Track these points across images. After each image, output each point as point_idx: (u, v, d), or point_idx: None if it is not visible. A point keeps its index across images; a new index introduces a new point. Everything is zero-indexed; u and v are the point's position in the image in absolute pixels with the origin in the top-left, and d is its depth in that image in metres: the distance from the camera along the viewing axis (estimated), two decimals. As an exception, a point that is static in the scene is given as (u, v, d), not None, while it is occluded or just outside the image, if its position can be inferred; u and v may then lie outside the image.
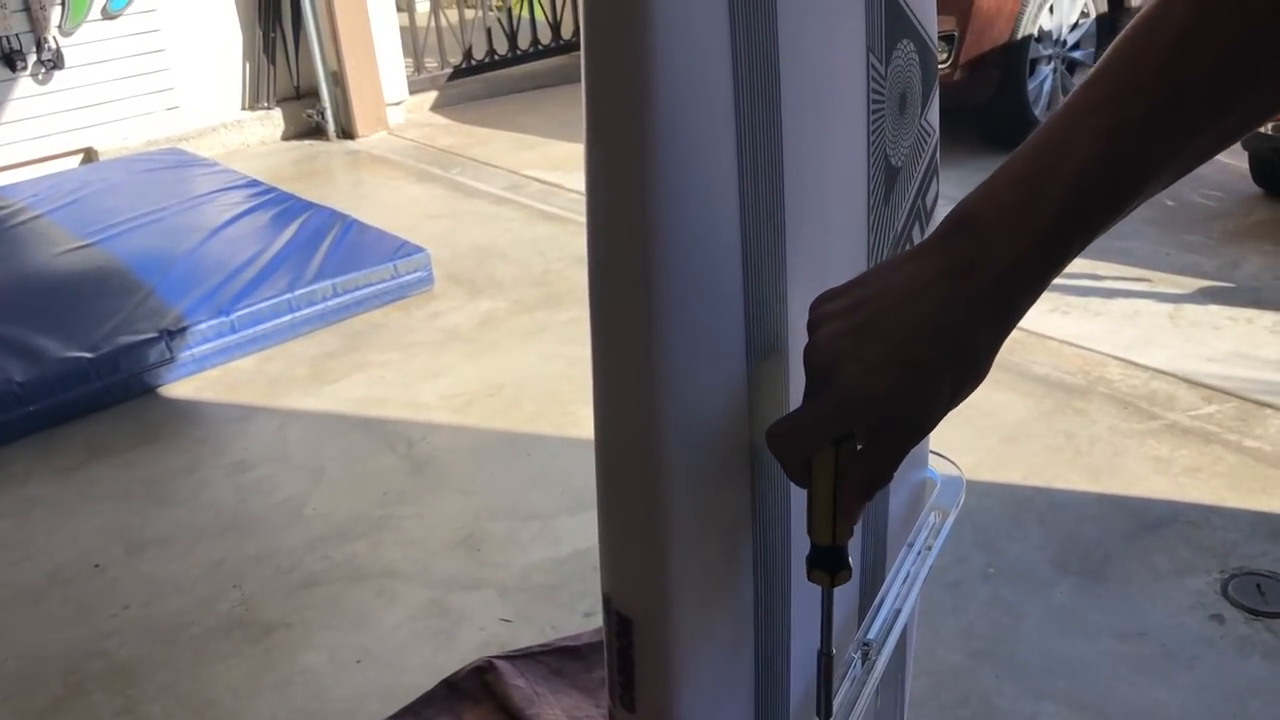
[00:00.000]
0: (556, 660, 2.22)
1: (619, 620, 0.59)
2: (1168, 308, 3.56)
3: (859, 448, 0.63)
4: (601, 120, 0.53)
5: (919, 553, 0.98)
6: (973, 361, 0.62)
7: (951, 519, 1.01)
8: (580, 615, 2.36)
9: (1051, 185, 0.57)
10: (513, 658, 2.22)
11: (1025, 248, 0.58)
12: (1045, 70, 5.17)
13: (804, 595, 0.80)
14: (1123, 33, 0.60)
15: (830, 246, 0.76)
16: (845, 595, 0.91)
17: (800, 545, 0.78)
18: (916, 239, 0.94)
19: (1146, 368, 3.16)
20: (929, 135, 0.93)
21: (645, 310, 0.54)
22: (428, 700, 2.16)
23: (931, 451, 1.07)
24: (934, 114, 0.93)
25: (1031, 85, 5.09)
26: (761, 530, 0.70)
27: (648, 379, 0.55)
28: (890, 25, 0.81)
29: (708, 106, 0.57)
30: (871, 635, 0.88)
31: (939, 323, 0.60)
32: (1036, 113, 5.16)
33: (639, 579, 0.59)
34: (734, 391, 0.64)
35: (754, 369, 0.66)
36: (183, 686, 2.26)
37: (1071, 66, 5.34)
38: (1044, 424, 2.93)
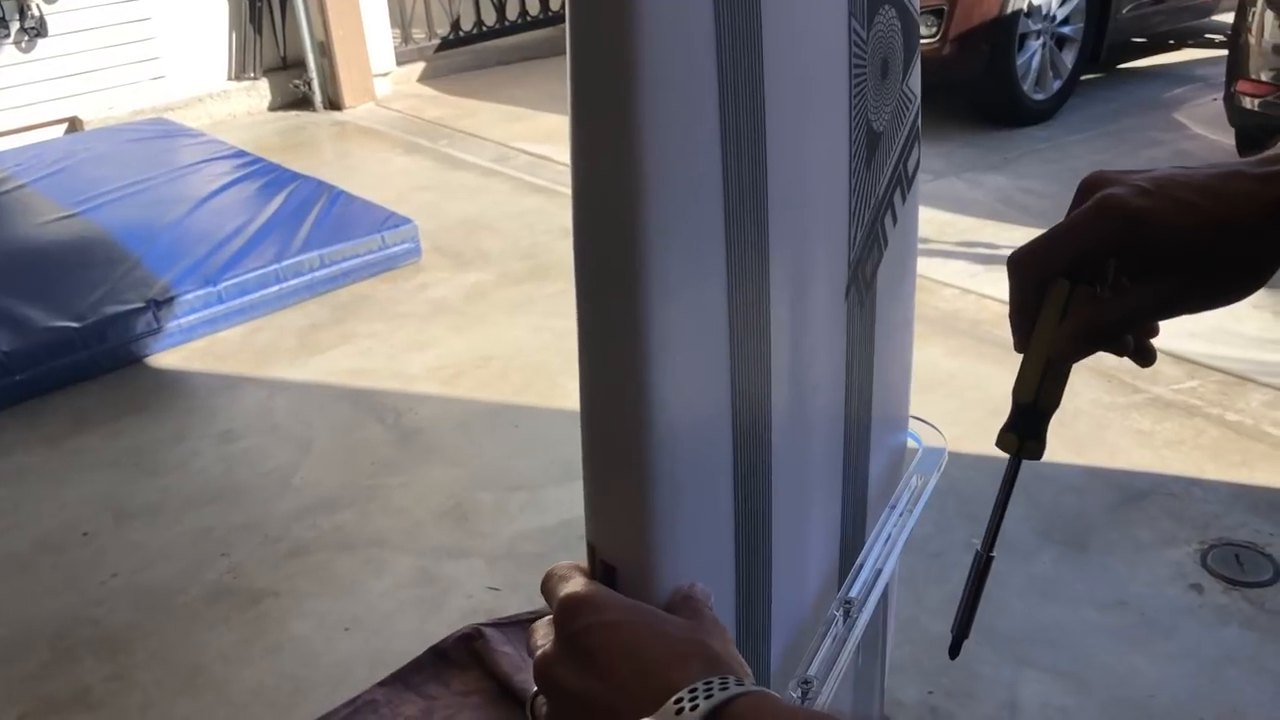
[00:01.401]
0: (543, 628, 2.24)
1: (604, 569, 0.60)
2: (1152, 282, 3.58)
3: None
4: (586, 83, 0.54)
5: (900, 515, 0.99)
6: (1248, 231, 0.64)
7: (933, 482, 1.03)
8: (567, 584, 2.38)
9: None
10: (500, 625, 2.24)
11: None
12: (1034, 45, 5.17)
13: (785, 555, 0.81)
14: None
15: (812, 209, 0.77)
16: (826, 555, 0.93)
17: (783, 505, 0.79)
18: (898, 205, 0.95)
19: (1130, 341, 3.18)
20: (910, 101, 0.93)
21: (629, 267, 0.55)
22: (416, 667, 2.17)
23: (913, 417, 1.08)
24: (915, 80, 0.94)
25: (1020, 60, 5.09)
26: (742, 485, 0.72)
27: (632, 327, 0.56)
28: (873, -9, 0.81)
29: (692, 70, 0.58)
30: (853, 594, 0.90)
31: (1216, 183, 0.64)
32: (1025, 88, 5.17)
33: (622, 528, 0.60)
34: (716, 346, 0.65)
35: (735, 325, 0.67)
36: (172, 653, 2.28)
37: (1060, 42, 5.34)
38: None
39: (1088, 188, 0.68)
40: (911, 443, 1.09)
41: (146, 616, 2.39)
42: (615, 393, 0.58)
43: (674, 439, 0.60)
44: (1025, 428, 0.72)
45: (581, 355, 0.58)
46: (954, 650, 0.79)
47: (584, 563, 0.63)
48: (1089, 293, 0.67)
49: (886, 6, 0.84)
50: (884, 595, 0.96)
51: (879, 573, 0.93)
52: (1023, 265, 0.69)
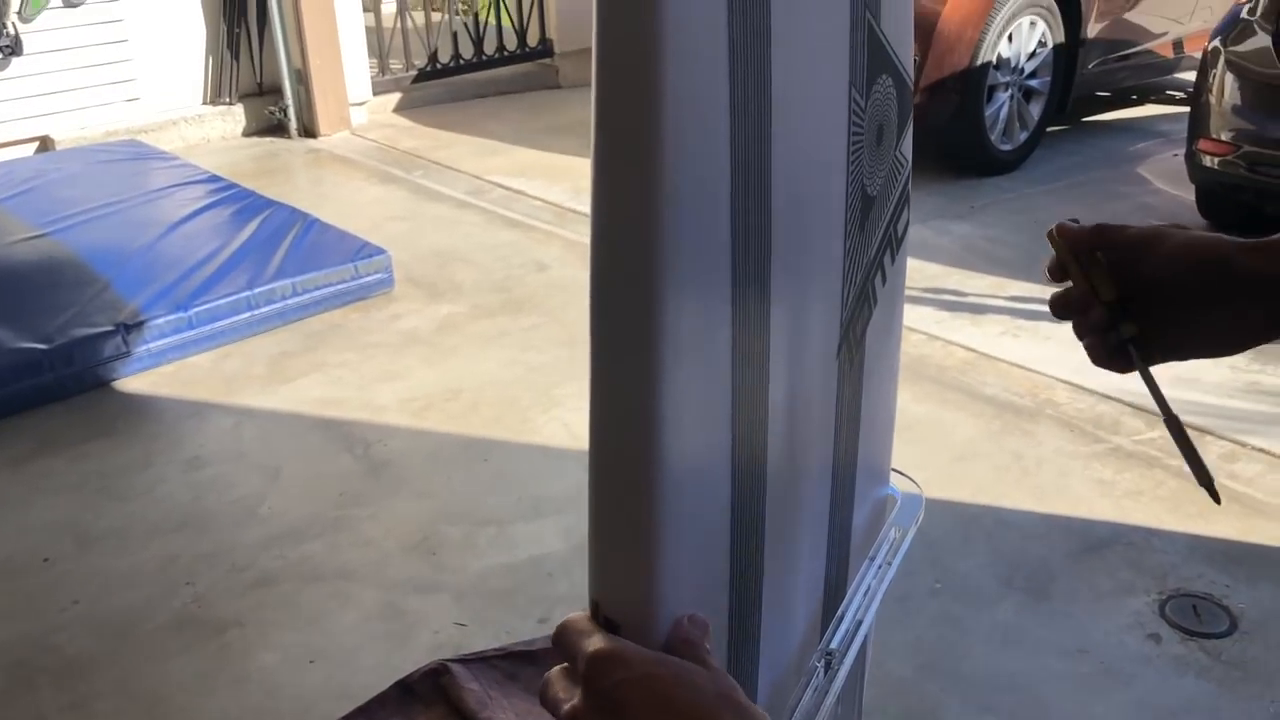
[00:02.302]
0: (511, 665, 2.24)
1: (607, 624, 0.62)
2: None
3: None
4: (611, 145, 0.56)
5: (879, 567, 1.02)
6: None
7: (911, 535, 1.05)
8: (535, 621, 2.38)
9: None
10: (467, 661, 2.24)
11: None
12: (1002, 97, 5.27)
13: (772, 608, 0.83)
14: None
15: (810, 271, 0.80)
16: (809, 606, 0.95)
17: (772, 559, 0.81)
18: (887, 266, 0.98)
19: (1093, 392, 3.25)
20: (902, 166, 0.97)
21: (644, 324, 0.57)
22: (381, 701, 2.17)
23: (893, 470, 1.10)
24: (907, 145, 0.98)
25: (989, 111, 5.19)
26: (738, 541, 0.74)
27: (644, 389, 0.58)
28: (871, 61, 0.85)
29: (709, 138, 0.60)
30: (835, 644, 0.92)
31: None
32: (992, 138, 5.27)
33: (627, 585, 0.62)
34: (720, 405, 0.67)
35: (738, 384, 0.69)
36: (133, 683, 2.26)
37: (1028, 94, 5.45)
38: (993, 444, 3.00)
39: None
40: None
41: (108, 645, 2.36)
42: (626, 450, 0.60)
43: (680, 496, 0.62)
44: (1123, 317, 0.87)
45: (593, 414, 0.60)
46: (1215, 497, 0.93)
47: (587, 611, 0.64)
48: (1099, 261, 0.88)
49: (884, 76, 0.87)
50: (863, 645, 0.98)
51: (859, 624, 0.96)
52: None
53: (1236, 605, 2.41)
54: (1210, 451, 2.97)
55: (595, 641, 0.60)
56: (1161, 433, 3.05)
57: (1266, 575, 2.50)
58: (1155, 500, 2.76)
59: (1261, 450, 2.96)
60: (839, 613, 0.96)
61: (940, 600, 2.41)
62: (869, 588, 0.99)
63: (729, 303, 0.66)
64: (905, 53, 0.93)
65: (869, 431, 1.00)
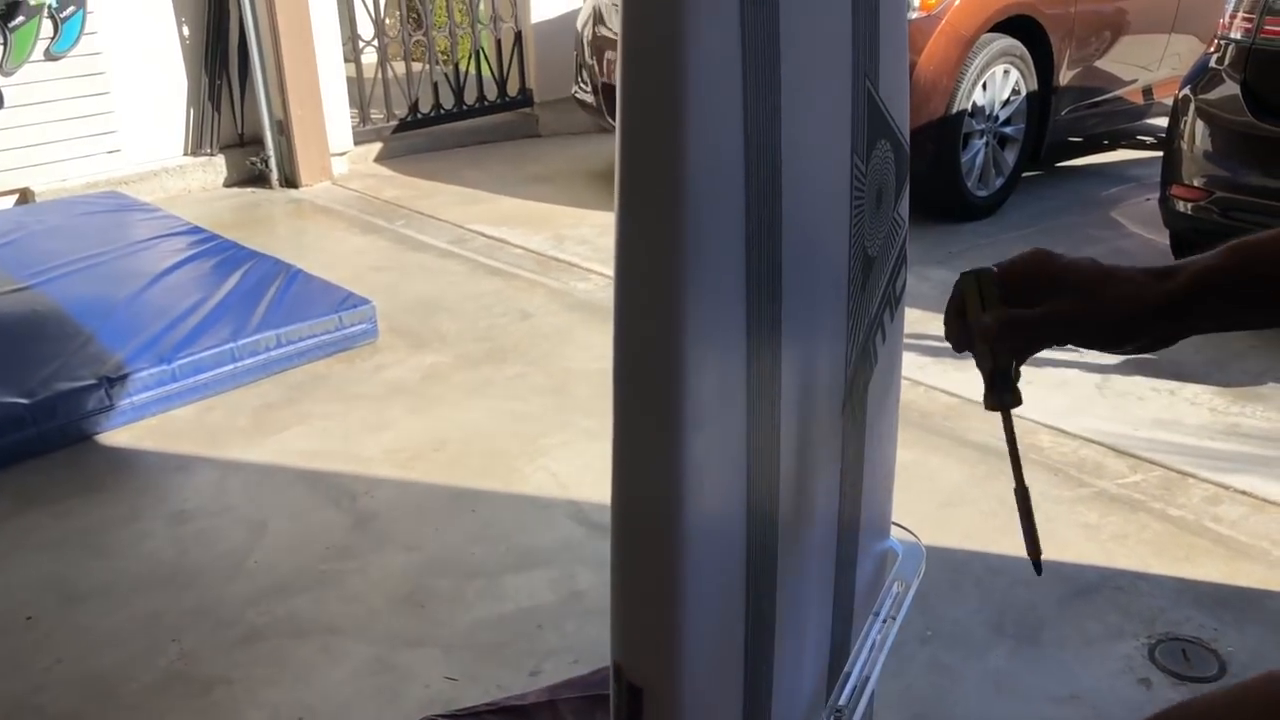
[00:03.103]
0: None
1: (630, 690, 0.62)
2: (1095, 378, 3.69)
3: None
4: (635, 212, 0.57)
5: (884, 621, 1.02)
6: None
7: (914, 589, 1.06)
8: (526, 674, 2.37)
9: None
10: (459, 716, 2.22)
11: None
12: (978, 144, 5.35)
13: (784, 667, 0.83)
14: None
15: (817, 331, 0.81)
16: (818, 662, 0.95)
17: (784, 617, 0.82)
18: (887, 323, 0.99)
19: (1076, 436, 3.27)
20: (900, 227, 0.99)
21: (668, 393, 0.59)
22: (372, 759, 2.15)
23: (894, 524, 1.12)
24: (904, 207, 1.00)
25: (965, 158, 5.27)
26: (752, 602, 0.74)
27: (668, 453, 0.59)
28: (871, 127, 0.87)
29: (727, 205, 0.62)
30: (842, 701, 0.92)
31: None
32: (969, 184, 5.34)
33: (652, 650, 0.63)
34: (736, 467, 0.68)
35: (752, 445, 0.70)
36: (119, 744, 2.22)
37: (1003, 141, 5.54)
38: (979, 489, 3.01)
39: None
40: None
41: (92, 705, 2.33)
42: (649, 515, 0.61)
43: (701, 559, 0.63)
44: (1000, 387, 0.88)
45: (616, 479, 0.61)
46: (1038, 569, 1.00)
47: None
48: (993, 277, 0.87)
49: (882, 141, 0.90)
50: (870, 700, 0.99)
51: (866, 680, 0.96)
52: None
53: (1225, 649, 2.42)
54: (1193, 495, 3.00)
55: None
56: (1144, 476, 3.08)
57: (1253, 618, 2.52)
58: (1141, 544, 2.78)
59: (1244, 493, 2.99)
60: (846, 669, 0.97)
61: (931, 648, 2.41)
62: (874, 642, 1.00)
63: (744, 365, 0.67)
64: (902, 118, 0.96)
65: (871, 486, 1.01)
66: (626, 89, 0.56)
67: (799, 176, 0.72)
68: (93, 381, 3.37)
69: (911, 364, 3.77)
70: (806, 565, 0.87)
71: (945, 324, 0.90)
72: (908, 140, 0.97)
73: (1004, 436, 0.94)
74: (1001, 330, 0.86)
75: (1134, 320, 0.86)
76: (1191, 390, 3.65)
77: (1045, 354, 0.89)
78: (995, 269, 0.88)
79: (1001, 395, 0.88)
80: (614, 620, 0.63)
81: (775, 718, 0.82)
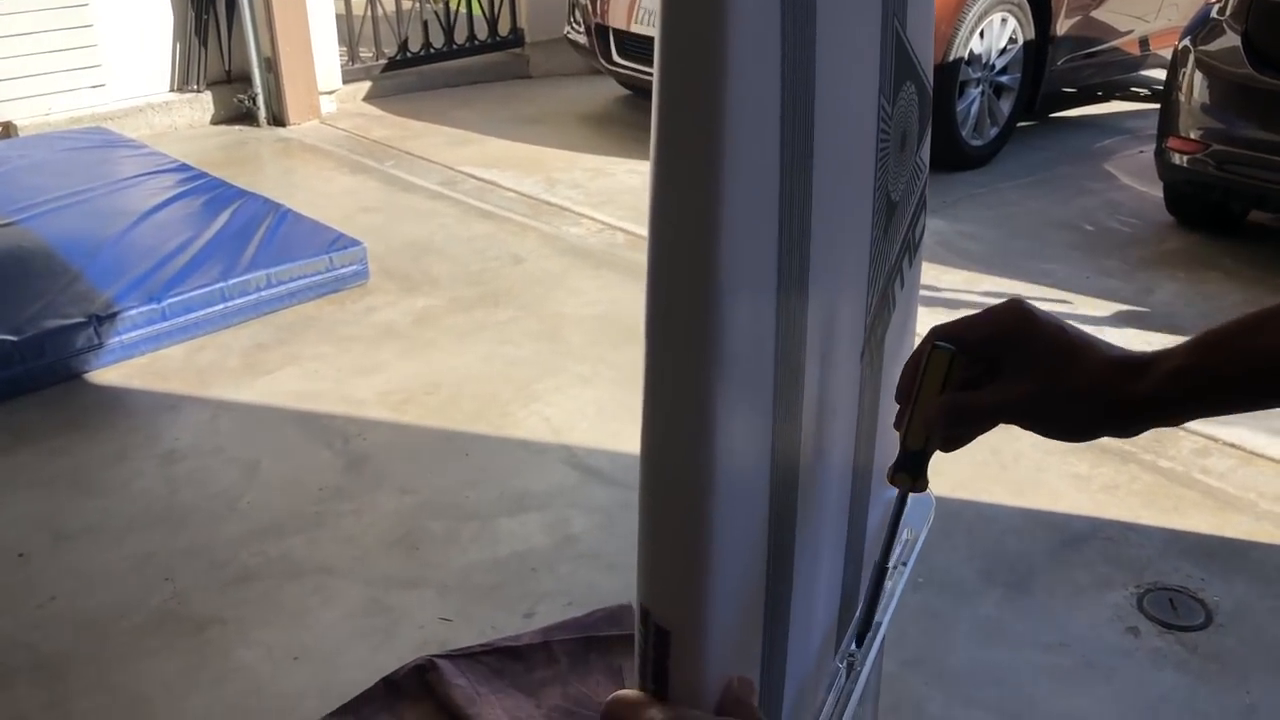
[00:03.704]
0: (497, 661, 2.24)
1: (657, 632, 0.62)
2: (1087, 329, 3.68)
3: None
4: (673, 158, 0.56)
5: (894, 568, 1.02)
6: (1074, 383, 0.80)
7: (923, 536, 1.06)
8: (520, 616, 2.38)
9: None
10: (453, 657, 2.23)
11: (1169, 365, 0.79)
12: (974, 93, 5.31)
13: (799, 612, 0.83)
14: None
15: (841, 276, 0.80)
16: (829, 609, 0.95)
17: (801, 562, 0.81)
18: (906, 270, 0.98)
19: (1067, 387, 3.28)
20: (921, 171, 0.97)
21: (701, 337, 0.58)
22: (367, 698, 2.16)
23: (904, 471, 1.11)
24: (926, 151, 0.98)
25: (960, 106, 5.23)
26: (773, 545, 0.74)
27: (700, 397, 0.58)
28: (899, 69, 0.85)
29: (763, 147, 0.61)
30: (854, 648, 0.92)
31: (1096, 348, 0.81)
32: (964, 133, 5.31)
33: (679, 593, 0.62)
34: (763, 411, 0.68)
35: (779, 387, 0.69)
36: (113, 681, 2.23)
37: (998, 90, 5.50)
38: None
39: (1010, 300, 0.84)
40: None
41: (86, 642, 2.33)
42: (679, 458, 0.60)
43: (729, 501, 0.62)
44: (913, 467, 0.86)
45: (646, 422, 0.60)
46: (858, 643, 0.95)
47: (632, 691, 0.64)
48: (964, 365, 0.81)
49: (908, 83, 0.88)
50: (880, 647, 0.99)
51: (878, 626, 0.96)
52: (932, 337, 0.83)
53: (1211, 598, 2.45)
54: (1183, 447, 3.02)
55: (658, 713, 0.60)
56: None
57: (1240, 569, 2.55)
58: (1131, 495, 2.80)
59: (1233, 446, 3.01)
60: (858, 615, 0.97)
61: (923, 595, 2.43)
62: (886, 590, 1.00)
63: (774, 310, 0.66)
64: (926, 60, 0.94)
65: (884, 433, 1.01)
66: (667, 24, 0.54)
67: (830, 118, 0.70)
68: (81, 319, 3.33)
69: (905, 313, 3.77)
70: (822, 512, 0.87)
71: (901, 375, 0.85)
72: (931, 83, 0.95)
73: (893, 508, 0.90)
74: (949, 420, 0.82)
75: (1092, 420, 0.80)
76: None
77: (1037, 303, 0.85)
78: (964, 327, 0.81)
79: (915, 477, 0.85)
80: (641, 564, 0.62)
81: (791, 660, 0.82)
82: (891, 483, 0.86)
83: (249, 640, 2.34)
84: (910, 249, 0.98)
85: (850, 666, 0.91)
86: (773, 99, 0.61)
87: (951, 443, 0.86)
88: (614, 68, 5.84)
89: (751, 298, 0.62)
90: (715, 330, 0.58)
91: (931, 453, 0.86)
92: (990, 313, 0.82)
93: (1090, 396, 0.79)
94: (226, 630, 2.37)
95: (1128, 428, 0.81)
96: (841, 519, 0.94)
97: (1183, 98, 4.28)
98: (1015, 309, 0.81)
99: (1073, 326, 0.82)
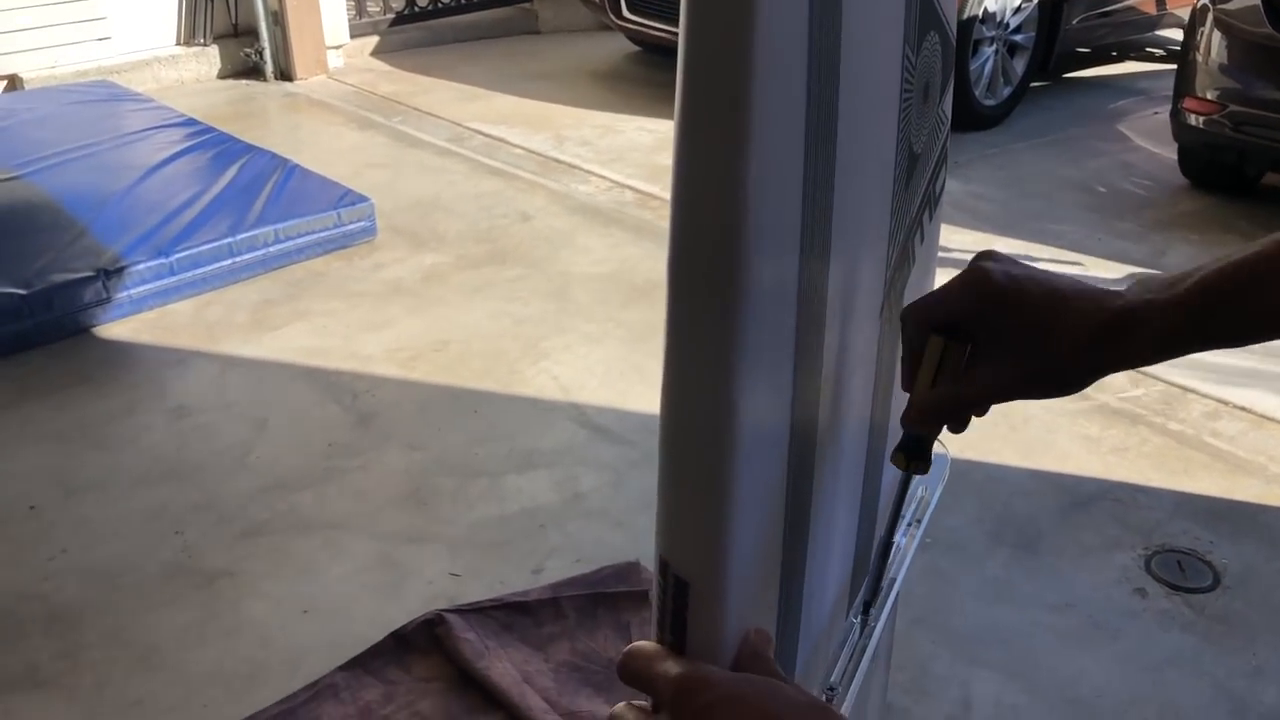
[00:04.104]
0: (506, 615, 2.25)
1: (677, 583, 0.61)
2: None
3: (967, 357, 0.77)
4: (698, 108, 0.55)
5: (908, 525, 1.02)
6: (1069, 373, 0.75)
7: (938, 494, 1.06)
8: (529, 572, 2.39)
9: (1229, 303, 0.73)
10: (462, 611, 2.24)
11: (1165, 306, 0.72)
12: (987, 52, 5.26)
13: (815, 566, 0.83)
14: None
15: (862, 230, 0.79)
16: (843, 565, 0.95)
17: (818, 516, 0.81)
18: (926, 224, 0.97)
19: (1078, 349, 3.26)
20: (943, 123, 0.96)
21: (726, 289, 0.57)
22: (376, 652, 2.17)
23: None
24: (948, 103, 0.97)
25: (973, 66, 5.18)
26: (791, 497, 0.73)
27: (722, 354, 0.57)
28: (923, 18, 0.83)
29: (790, 97, 0.59)
30: (868, 605, 0.92)
31: (1070, 286, 0.74)
32: (977, 93, 5.25)
33: (699, 542, 0.61)
34: (784, 364, 0.67)
35: (800, 339, 0.69)
36: (125, 632, 2.24)
37: (1012, 49, 5.43)
38: (980, 400, 3.01)
39: (976, 257, 0.77)
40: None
41: (97, 594, 2.35)
42: (701, 408, 0.59)
43: (751, 453, 0.62)
44: (913, 450, 0.84)
45: (668, 373, 0.59)
46: (863, 615, 0.93)
47: (649, 643, 0.63)
48: (960, 352, 0.77)
49: (932, 33, 0.86)
50: (894, 603, 0.99)
51: (892, 583, 0.96)
52: (907, 320, 0.79)
53: (1219, 561, 2.45)
54: (1193, 409, 3.01)
55: (674, 666, 0.59)
56: (1145, 390, 3.09)
57: (1248, 531, 2.54)
58: (1141, 457, 2.80)
59: (1243, 409, 3.00)
60: (869, 575, 0.96)
61: (930, 555, 2.43)
62: (899, 546, 1.00)
63: (796, 263, 0.65)
64: (950, 9, 0.92)
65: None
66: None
67: (856, 67, 0.69)
68: (90, 274, 3.33)
69: (915, 274, 3.75)
70: (839, 466, 0.86)
71: (901, 360, 0.81)
72: (955, 33, 0.93)
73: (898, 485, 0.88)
74: (938, 415, 0.80)
75: (1080, 383, 0.75)
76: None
77: (1050, 264, 0.83)
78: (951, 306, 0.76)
79: (913, 461, 0.83)
80: (661, 515, 0.61)
81: (806, 614, 0.82)
82: (892, 461, 0.84)
83: (258, 593, 2.35)
84: (931, 203, 0.97)
85: (864, 623, 0.90)
86: (800, 46, 0.59)
87: (953, 428, 0.83)
88: (624, 23, 5.78)
89: (774, 250, 0.61)
90: (738, 283, 0.57)
91: (933, 439, 0.84)
92: (951, 291, 0.76)
93: (1076, 365, 0.74)
94: (236, 583, 2.38)
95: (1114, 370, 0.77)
96: (858, 474, 0.93)
97: (1200, 58, 4.23)
98: (977, 280, 0.75)
99: (1039, 279, 0.75)
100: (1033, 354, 0.74)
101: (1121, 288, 0.74)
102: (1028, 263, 0.77)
